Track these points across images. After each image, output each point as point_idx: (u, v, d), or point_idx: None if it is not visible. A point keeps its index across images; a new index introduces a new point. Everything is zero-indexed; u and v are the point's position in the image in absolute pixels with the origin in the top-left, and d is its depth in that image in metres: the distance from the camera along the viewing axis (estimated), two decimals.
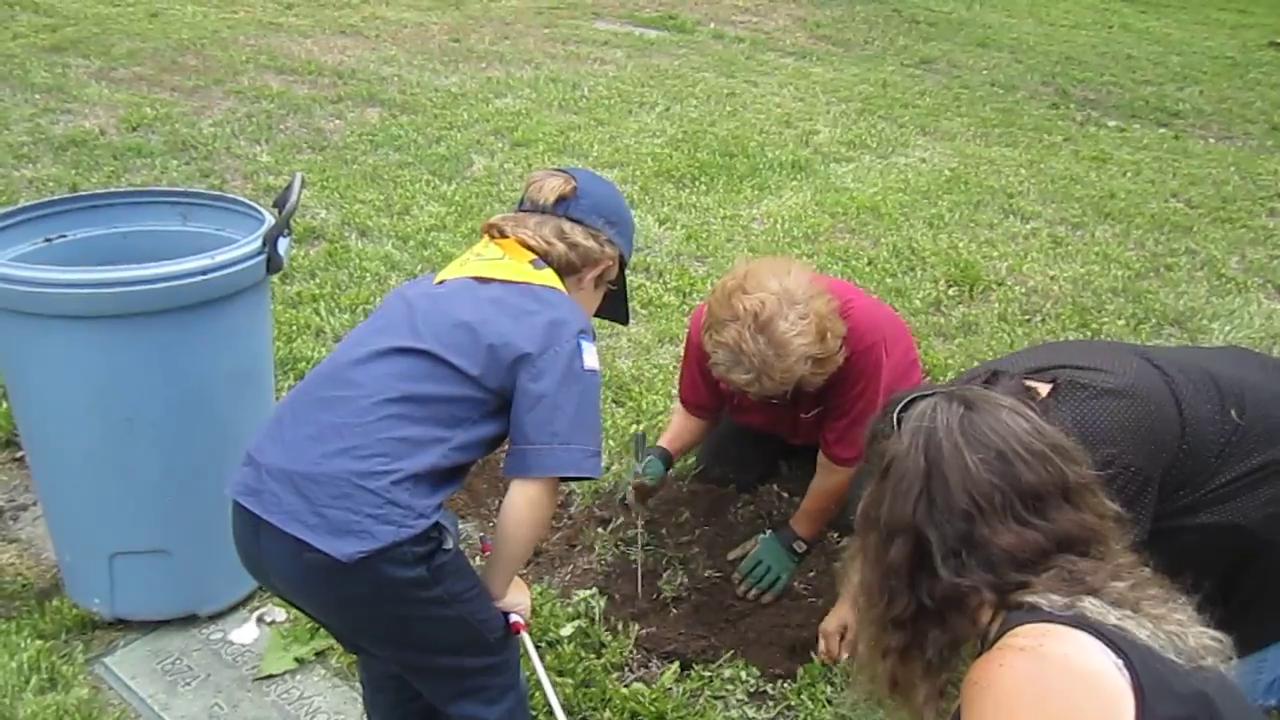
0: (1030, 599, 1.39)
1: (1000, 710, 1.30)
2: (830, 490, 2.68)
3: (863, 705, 2.30)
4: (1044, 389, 2.00)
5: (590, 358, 1.77)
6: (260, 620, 2.60)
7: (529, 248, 1.89)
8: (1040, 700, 1.28)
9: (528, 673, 2.06)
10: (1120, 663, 1.29)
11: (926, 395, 1.57)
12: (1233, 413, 2.02)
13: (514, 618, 1.88)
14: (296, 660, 2.47)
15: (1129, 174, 6.35)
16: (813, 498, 2.73)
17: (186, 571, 2.48)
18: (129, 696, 2.38)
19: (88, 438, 2.34)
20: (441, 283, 1.88)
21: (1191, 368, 2.09)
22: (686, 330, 2.97)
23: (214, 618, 2.61)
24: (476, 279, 1.84)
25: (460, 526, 2.87)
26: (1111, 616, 1.34)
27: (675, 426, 2.89)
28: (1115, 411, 1.95)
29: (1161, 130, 7.61)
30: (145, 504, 2.41)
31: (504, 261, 1.87)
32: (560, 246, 1.90)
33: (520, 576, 1.80)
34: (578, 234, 1.92)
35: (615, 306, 2.14)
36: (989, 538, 1.43)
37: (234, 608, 2.63)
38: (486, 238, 1.95)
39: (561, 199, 1.95)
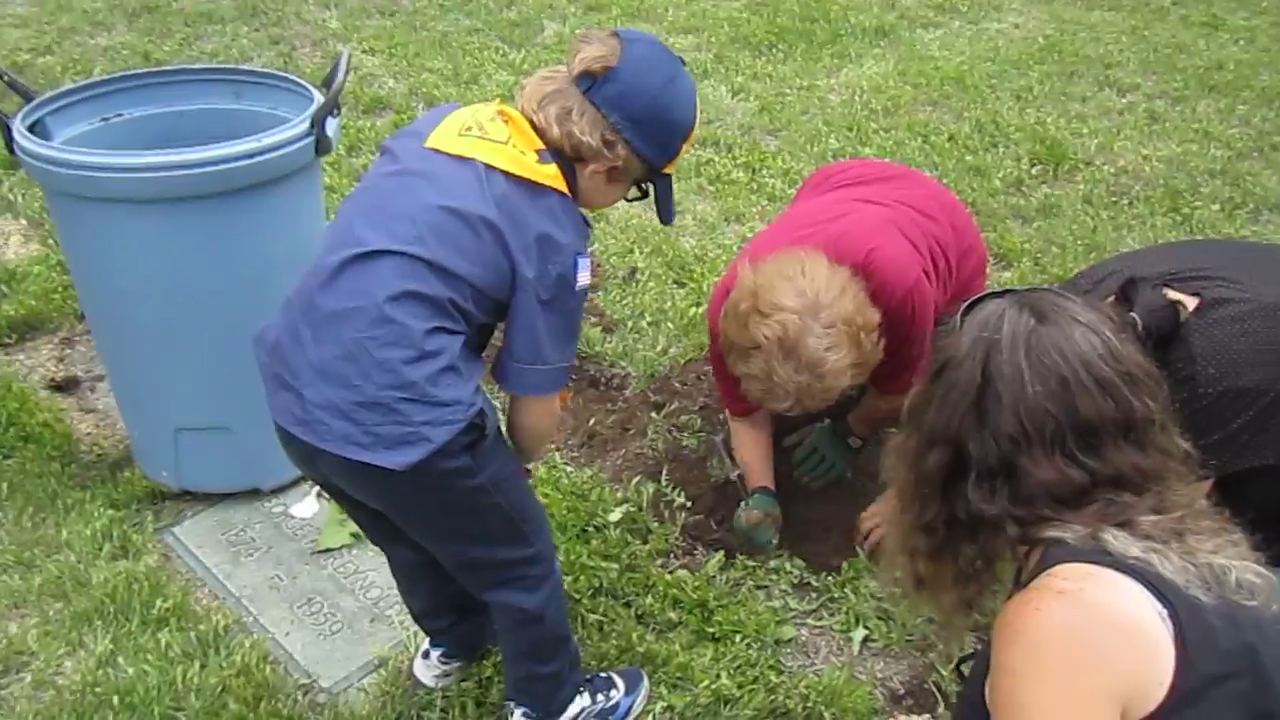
0: (1054, 533, 1.33)
1: (1030, 657, 1.26)
2: (882, 408, 2.58)
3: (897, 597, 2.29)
4: (1190, 302, 1.90)
5: (584, 276, 1.69)
6: (319, 496, 2.67)
7: (532, 125, 1.69)
8: (1071, 650, 1.23)
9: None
10: (1165, 612, 1.23)
11: (998, 296, 1.47)
12: None
13: None
14: (353, 535, 2.54)
15: (1241, 42, 5.91)
16: (865, 409, 2.66)
17: (247, 447, 2.55)
18: (195, 565, 2.49)
19: (145, 317, 2.39)
20: (436, 151, 1.69)
21: None
22: (707, 324, 2.55)
23: (275, 492, 2.70)
24: (485, 165, 1.65)
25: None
26: (1134, 549, 1.27)
27: (748, 453, 2.62)
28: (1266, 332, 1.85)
29: None
30: (204, 382, 2.48)
31: (508, 148, 1.67)
32: (556, 131, 1.66)
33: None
34: (584, 123, 1.66)
35: (663, 201, 1.83)
36: (1029, 469, 1.33)
37: (294, 483, 2.71)
38: (497, 104, 1.75)
39: (587, 74, 1.66)
